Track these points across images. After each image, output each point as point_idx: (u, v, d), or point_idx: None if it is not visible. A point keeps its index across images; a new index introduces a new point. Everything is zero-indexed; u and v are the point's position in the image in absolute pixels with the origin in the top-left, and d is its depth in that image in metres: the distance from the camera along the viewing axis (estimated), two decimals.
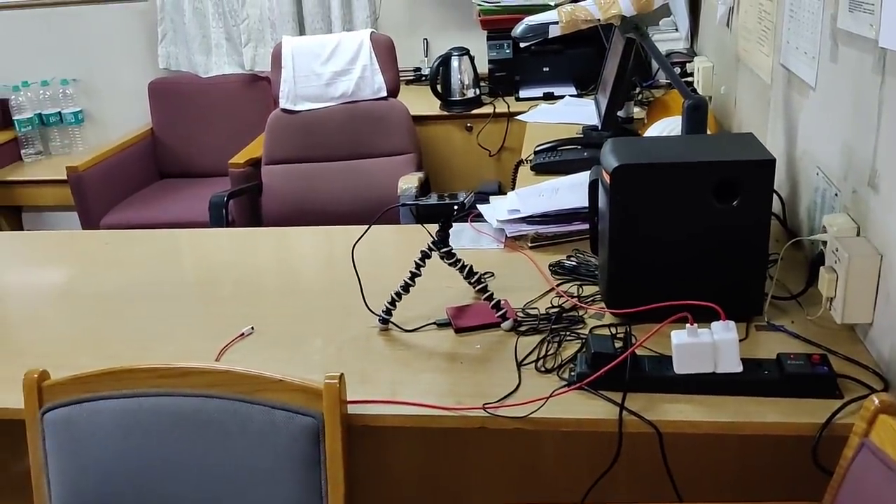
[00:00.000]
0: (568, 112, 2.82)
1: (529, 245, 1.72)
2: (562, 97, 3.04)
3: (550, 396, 1.16)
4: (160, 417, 1.18)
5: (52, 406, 1.21)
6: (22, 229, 3.80)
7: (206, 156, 3.63)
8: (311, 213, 2.75)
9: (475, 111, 3.05)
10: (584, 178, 1.89)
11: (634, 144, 1.38)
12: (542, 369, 1.26)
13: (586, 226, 1.73)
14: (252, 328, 1.45)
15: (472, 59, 3.04)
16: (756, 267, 1.32)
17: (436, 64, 3.03)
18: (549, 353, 1.30)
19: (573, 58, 3.15)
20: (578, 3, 1.86)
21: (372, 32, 2.81)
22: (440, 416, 1.17)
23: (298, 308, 1.53)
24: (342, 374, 1.15)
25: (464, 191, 2.61)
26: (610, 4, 1.80)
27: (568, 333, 1.35)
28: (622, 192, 1.30)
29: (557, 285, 1.53)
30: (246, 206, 2.89)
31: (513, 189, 2.36)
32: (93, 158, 3.26)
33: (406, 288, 1.41)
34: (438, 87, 3.05)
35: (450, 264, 1.41)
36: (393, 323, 1.42)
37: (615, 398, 1.15)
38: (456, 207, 1.36)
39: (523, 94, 3.13)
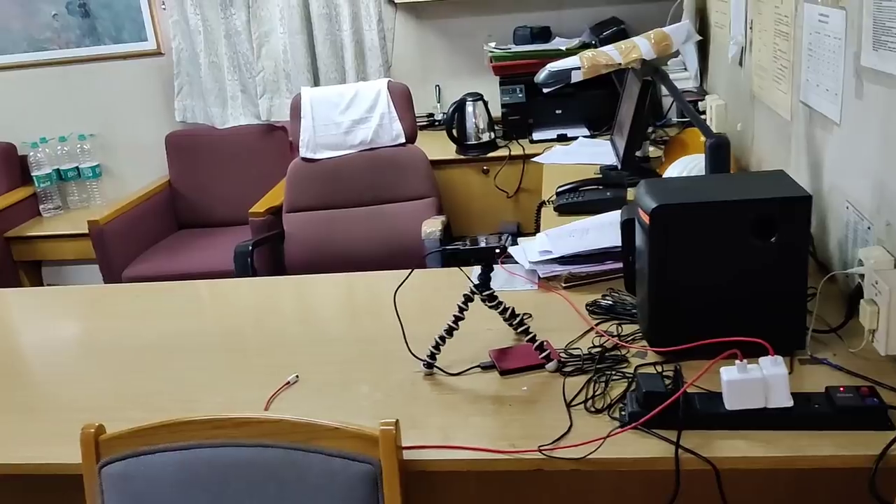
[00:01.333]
0: (583, 153, 2.86)
1: (563, 285, 1.74)
2: (575, 138, 3.09)
3: (608, 437, 1.17)
4: (217, 469, 1.19)
5: (110, 460, 1.22)
6: (42, 284, 3.83)
7: (224, 205, 3.68)
8: (333, 259, 2.78)
9: (491, 154, 3.10)
10: (613, 217, 1.93)
11: (670, 184, 1.41)
12: (592, 410, 1.27)
13: (618, 265, 1.75)
14: (297, 376, 1.47)
15: (485, 103, 3.09)
16: (796, 301, 1.34)
17: (451, 110, 3.09)
18: (597, 393, 1.31)
19: (585, 100, 3.21)
20: (599, 49, 1.91)
21: (389, 81, 2.87)
22: (496, 459, 1.18)
23: (339, 355, 1.55)
24: (397, 420, 1.16)
25: (482, 233, 2.65)
26: (630, 49, 1.84)
27: (613, 373, 1.37)
28: (662, 232, 1.33)
29: (596, 324, 1.55)
30: (268, 254, 2.92)
31: (536, 230, 2.39)
32: (113, 212, 3.30)
33: (450, 332, 1.42)
34: (454, 131, 3.10)
35: (491, 307, 1.43)
36: (437, 367, 1.44)
37: (669, 436, 1.16)
38: (498, 251, 1.38)
39: (537, 136, 3.18)
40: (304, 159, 2.88)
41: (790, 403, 1.17)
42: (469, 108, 3.06)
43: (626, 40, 1.91)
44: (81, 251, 3.53)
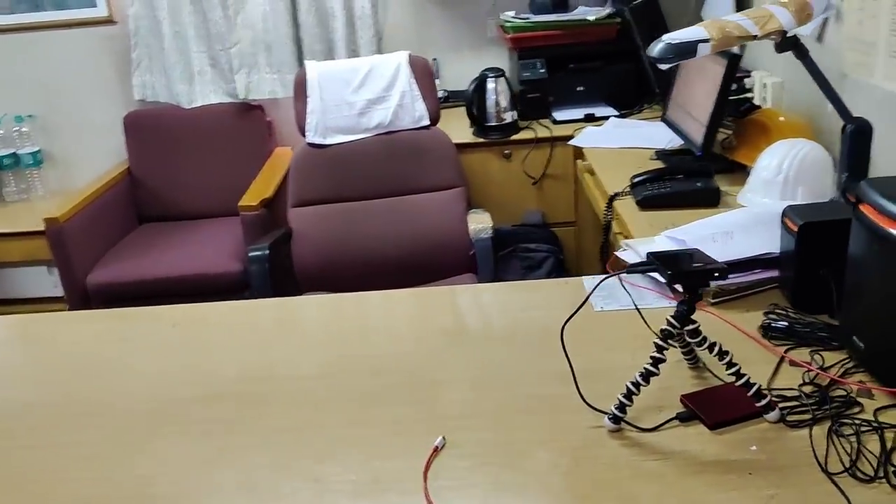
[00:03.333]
0: (625, 135, 2.59)
1: (711, 301, 1.46)
2: (605, 118, 2.81)
3: None
4: None
5: None
6: None
7: (194, 196, 3.24)
8: (352, 260, 2.43)
9: (514, 137, 2.78)
10: (757, 217, 1.66)
11: None
12: (864, 478, 1.00)
13: (770, 273, 1.49)
14: (443, 439, 1.13)
15: (507, 80, 2.77)
16: None
17: (472, 88, 2.75)
18: (855, 452, 1.04)
19: (610, 76, 2.93)
20: (726, 18, 1.62)
21: (409, 54, 2.51)
22: None
23: (481, 406, 1.22)
24: None
25: (506, 223, 2.31)
26: (768, 19, 1.56)
27: (849, 421, 1.10)
28: None
29: (786, 351, 1.28)
30: (270, 255, 2.52)
31: (607, 227, 2.11)
32: (72, 207, 2.82)
33: (647, 378, 1.12)
34: (475, 110, 2.76)
35: (695, 344, 1.13)
36: (625, 421, 1.13)
37: None
38: (717, 274, 1.08)
39: (558, 116, 2.88)
40: (312, 145, 2.49)
41: None
42: (490, 84, 2.73)
43: (757, 8, 1.62)
44: (28, 252, 3.03)
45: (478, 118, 2.77)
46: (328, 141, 2.49)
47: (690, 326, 1.12)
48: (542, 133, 2.78)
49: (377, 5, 3.16)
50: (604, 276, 1.22)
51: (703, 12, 2.96)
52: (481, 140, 2.77)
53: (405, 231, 2.48)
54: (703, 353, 1.22)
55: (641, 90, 2.95)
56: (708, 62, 2.14)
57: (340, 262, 2.43)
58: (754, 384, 1.12)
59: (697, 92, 2.20)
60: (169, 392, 1.32)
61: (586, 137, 2.63)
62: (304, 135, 2.51)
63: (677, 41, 1.60)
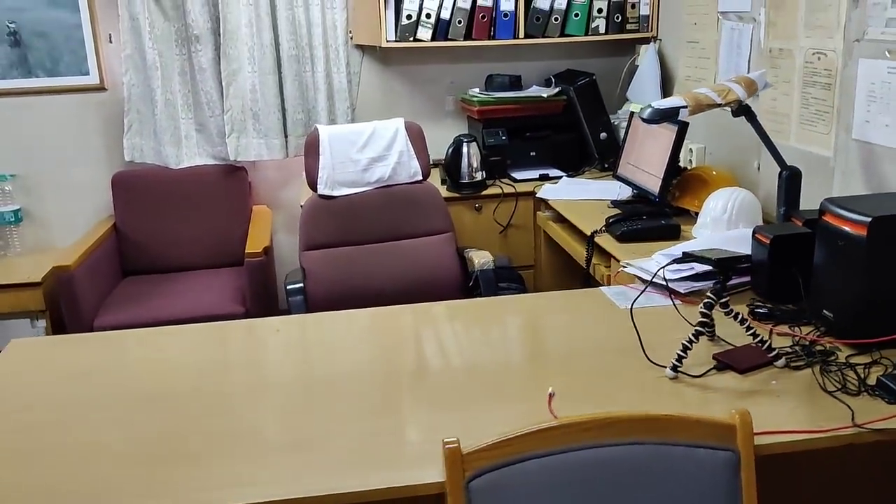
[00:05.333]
0: (580, 190, 3.09)
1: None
2: (557, 177, 3.32)
3: None
4: (589, 470, 1.23)
5: (477, 473, 1.21)
6: None
7: (180, 250, 3.47)
8: (356, 296, 2.75)
9: (484, 192, 3.24)
10: (722, 239, 2.16)
11: (861, 203, 1.65)
12: (853, 392, 1.47)
13: (744, 279, 1.98)
14: (552, 390, 1.52)
15: (479, 145, 3.24)
16: None
17: (450, 150, 3.20)
18: (848, 379, 1.51)
19: (557, 143, 3.46)
20: (696, 91, 2.15)
21: (405, 121, 2.93)
22: (817, 438, 1.33)
23: (571, 371, 1.62)
24: (747, 410, 1.28)
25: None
26: (727, 92, 2.11)
27: (833, 363, 1.58)
28: (880, 239, 1.56)
29: (774, 326, 1.76)
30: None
31: (589, 259, 2.57)
32: (80, 256, 3.00)
33: (697, 336, 1.56)
34: (452, 169, 3.21)
35: (725, 313, 1.59)
36: (681, 371, 1.56)
37: None
38: (743, 260, 1.55)
39: (517, 175, 3.37)
40: (322, 196, 2.84)
41: None
42: (464, 148, 3.19)
43: (719, 84, 2.17)
44: (10, 304, 3.15)
45: (453, 176, 3.21)
46: (336, 193, 2.85)
47: (724, 299, 1.57)
48: (507, 190, 3.25)
49: (352, 81, 3.58)
50: (666, 262, 1.66)
51: (628, 94, 3.56)
52: (456, 195, 3.20)
53: (403, 270, 2.85)
54: (718, 325, 1.68)
55: (582, 155, 3.49)
56: (660, 129, 2.69)
57: (347, 298, 2.75)
58: (767, 342, 1.59)
59: (650, 152, 2.74)
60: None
61: (548, 192, 3.12)
62: (313, 188, 2.85)
63: (663, 107, 2.11)
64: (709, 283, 1.95)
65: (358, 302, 2.74)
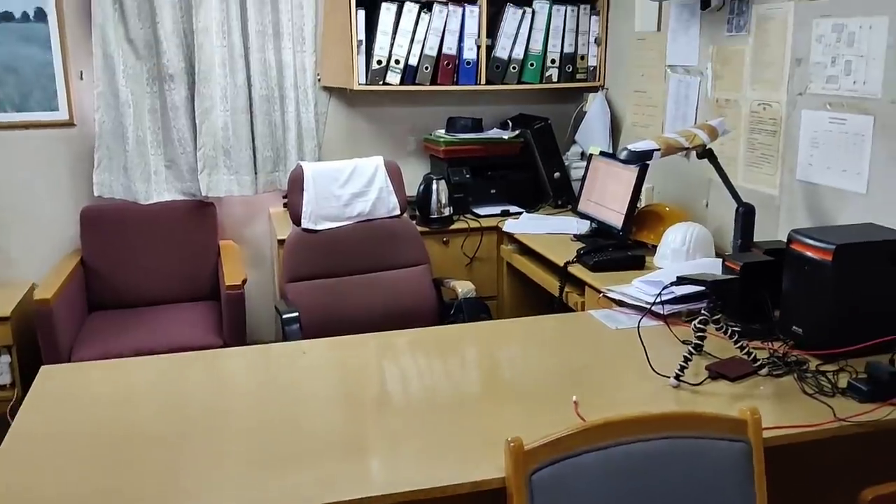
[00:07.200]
0: (542, 225, 3.33)
1: (684, 319, 2.17)
2: (518, 213, 3.56)
3: (893, 405, 1.63)
4: (634, 461, 1.43)
5: (539, 467, 1.39)
6: None
7: (148, 284, 3.50)
8: (339, 325, 2.88)
9: (451, 227, 3.44)
10: (698, 263, 2.42)
11: (827, 233, 1.93)
12: (830, 394, 1.72)
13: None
14: (575, 398, 1.71)
15: (447, 182, 3.44)
16: None
17: (421, 188, 3.39)
18: (823, 384, 1.76)
19: (515, 182, 3.70)
20: (666, 135, 2.42)
21: (384, 159, 3.10)
22: (805, 432, 1.57)
23: (580, 384, 1.82)
24: (756, 408, 1.50)
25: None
26: (693, 137, 2.39)
27: (807, 371, 1.84)
28: (844, 264, 1.84)
29: (748, 343, 2.01)
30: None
31: (562, 287, 2.79)
32: (57, 289, 3.02)
33: (697, 349, 1.79)
34: (421, 206, 3.40)
35: (717, 329, 1.83)
36: (683, 381, 1.79)
37: None
38: (727, 283, 1.79)
39: (479, 211, 3.58)
40: (305, 230, 2.97)
41: None
42: (434, 185, 3.38)
43: (686, 129, 2.44)
44: None
45: (424, 211, 3.40)
46: (319, 227, 2.98)
47: (717, 315, 1.81)
48: (473, 225, 3.46)
49: (319, 121, 3.73)
50: (664, 287, 1.89)
51: (577, 137, 3.85)
52: (426, 229, 3.39)
53: (383, 300, 3.00)
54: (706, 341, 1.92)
55: (538, 192, 3.74)
56: (621, 170, 2.96)
57: (330, 328, 2.87)
58: (752, 353, 1.83)
59: (613, 190, 3.00)
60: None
61: (512, 226, 3.34)
62: (297, 223, 2.97)
63: (639, 150, 2.37)
64: (687, 306, 2.20)
65: (341, 331, 2.87)
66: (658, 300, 2.04)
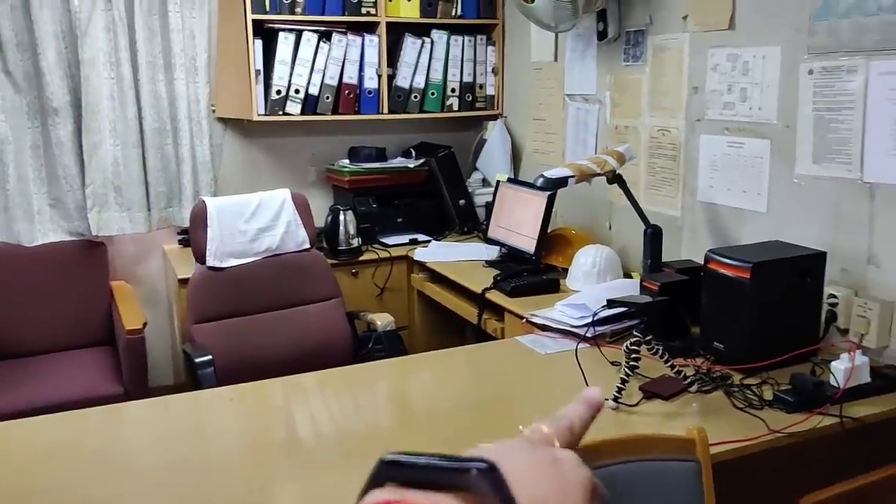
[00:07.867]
0: (452, 252, 3.33)
1: (609, 340, 2.22)
2: (426, 242, 3.55)
3: (821, 413, 1.70)
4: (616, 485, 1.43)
5: None
6: None
7: (35, 332, 3.26)
8: (250, 366, 2.76)
9: (361, 258, 3.39)
10: (607, 289, 2.47)
11: (738, 251, 2.02)
12: (758, 406, 1.79)
13: (633, 322, 2.30)
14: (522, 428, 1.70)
15: (355, 213, 3.39)
16: (820, 320, 2.05)
17: (329, 219, 3.32)
18: (750, 398, 1.84)
19: (421, 210, 3.70)
20: (579, 162, 2.48)
21: (291, 192, 3.02)
22: (746, 445, 1.63)
23: (521, 411, 1.82)
24: (703, 427, 1.54)
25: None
26: (604, 163, 2.46)
27: (733, 386, 1.91)
28: (761, 280, 1.93)
29: (675, 360, 2.07)
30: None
31: (480, 313, 2.80)
32: None
33: (632, 370, 1.82)
34: (329, 238, 3.33)
35: (652, 353, 1.87)
36: (621, 402, 1.81)
37: (832, 411, 1.74)
38: (658, 304, 1.84)
39: (388, 241, 3.55)
40: (210, 268, 2.85)
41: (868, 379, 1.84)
42: (342, 216, 3.33)
43: (597, 156, 2.51)
44: None
45: (331, 243, 3.33)
46: (224, 264, 2.86)
47: (648, 336, 1.85)
48: (382, 255, 3.42)
49: (214, 153, 3.60)
50: (601, 308, 1.92)
51: (478, 164, 3.90)
52: (335, 261, 3.32)
53: (296, 337, 2.91)
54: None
55: (443, 220, 3.75)
56: (530, 196, 3.01)
57: (241, 369, 2.76)
58: (681, 371, 1.89)
59: (523, 217, 3.04)
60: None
61: (423, 255, 3.33)
62: (201, 261, 2.84)
63: (554, 177, 2.41)
64: (611, 327, 2.25)
65: (252, 372, 2.76)
66: (592, 323, 2.07)
